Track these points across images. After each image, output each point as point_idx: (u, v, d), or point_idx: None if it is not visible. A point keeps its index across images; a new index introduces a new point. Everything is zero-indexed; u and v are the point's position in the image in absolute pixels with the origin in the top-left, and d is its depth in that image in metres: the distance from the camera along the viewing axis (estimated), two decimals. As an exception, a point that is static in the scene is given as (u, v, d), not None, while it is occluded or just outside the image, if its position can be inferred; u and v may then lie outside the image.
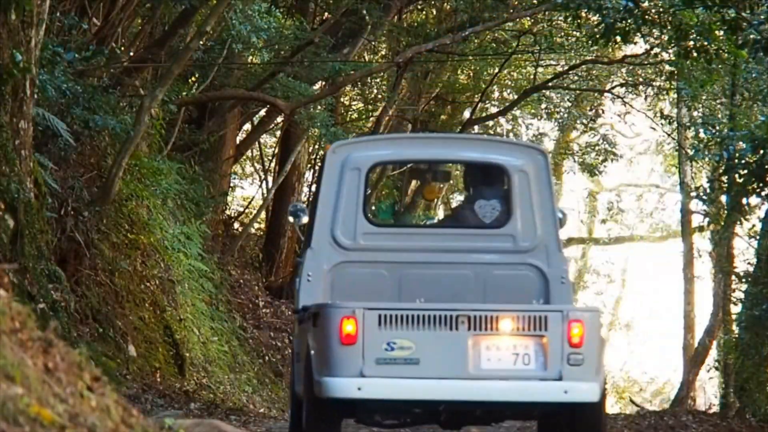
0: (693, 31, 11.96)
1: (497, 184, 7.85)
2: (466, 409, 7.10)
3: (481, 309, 6.90)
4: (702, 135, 17.13)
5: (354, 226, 7.59)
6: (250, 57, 19.78)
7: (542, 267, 7.59)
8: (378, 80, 25.06)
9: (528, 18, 22.34)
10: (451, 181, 8.94)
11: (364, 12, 20.02)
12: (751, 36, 11.60)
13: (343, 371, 6.76)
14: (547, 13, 20.85)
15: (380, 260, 7.67)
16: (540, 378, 6.85)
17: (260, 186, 25.75)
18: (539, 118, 26.72)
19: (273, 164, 24.85)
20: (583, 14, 13.23)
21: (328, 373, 6.80)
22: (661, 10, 12.07)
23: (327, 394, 6.79)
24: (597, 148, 26.33)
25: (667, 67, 21.39)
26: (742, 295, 16.32)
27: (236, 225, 23.68)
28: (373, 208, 7.84)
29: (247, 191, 27.99)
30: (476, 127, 26.99)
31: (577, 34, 21.12)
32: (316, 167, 25.79)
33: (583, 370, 6.78)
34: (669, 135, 25.79)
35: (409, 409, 7.06)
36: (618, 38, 12.13)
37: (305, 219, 7.95)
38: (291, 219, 8.33)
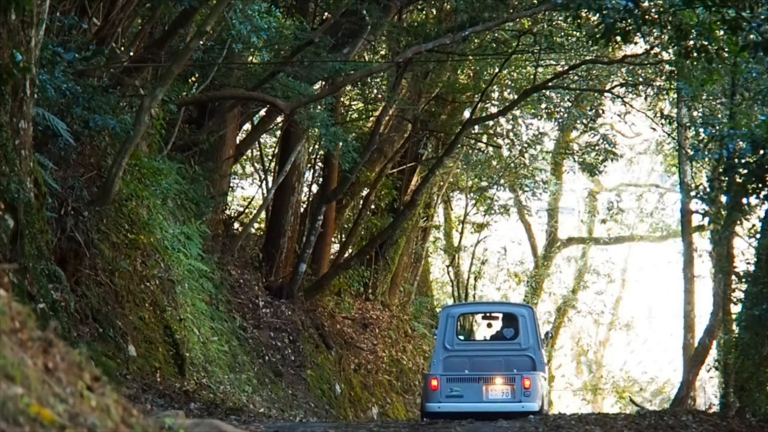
0: (693, 31, 11.97)
1: (513, 321, 16.39)
2: (482, 414, 14.45)
3: (488, 373, 15.29)
4: (702, 135, 17.13)
5: (452, 340, 16.18)
6: (250, 57, 19.78)
7: (532, 356, 15.98)
8: (378, 80, 25.05)
9: (528, 18, 22.34)
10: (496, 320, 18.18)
11: (364, 12, 20.03)
12: (751, 36, 11.61)
13: (433, 401, 15.12)
14: (547, 13, 20.86)
15: (463, 355, 16.15)
16: (511, 402, 15.00)
17: (260, 186, 25.75)
18: (539, 118, 26.73)
19: (273, 164, 24.85)
20: (583, 14, 13.24)
21: (427, 401, 15.22)
22: (661, 10, 12.07)
23: (428, 410, 15.15)
24: (597, 148, 26.33)
25: (667, 67, 21.39)
26: (742, 295, 16.32)
27: (236, 225, 23.68)
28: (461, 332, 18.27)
29: (247, 191, 28.01)
30: (476, 127, 27.01)
31: (577, 34, 21.12)
32: (317, 167, 25.83)
33: (530, 398, 14.97)
34: (669, 135, 25.79)
35: (459, 415, 14.51)
36: (618, 38, 12.13)
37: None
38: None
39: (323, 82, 21.53)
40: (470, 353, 16.23)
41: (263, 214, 23.72)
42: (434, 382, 15.11)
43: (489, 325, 17.64)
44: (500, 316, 17.30)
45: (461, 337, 17.14)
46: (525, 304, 19.54)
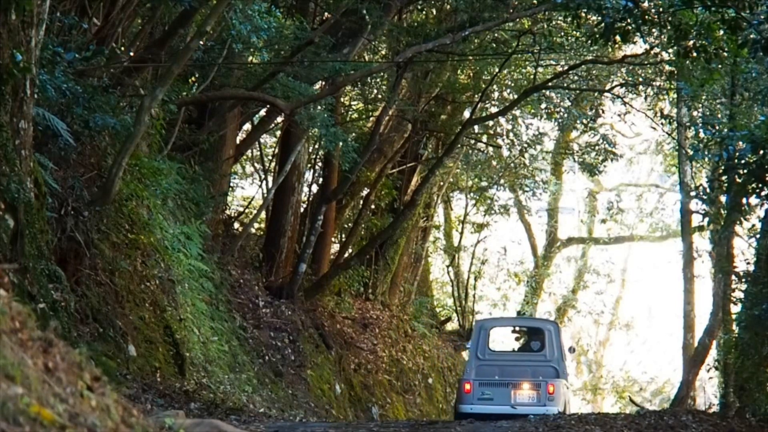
0: (693, 31, 11.97)
1: (539, 335, 17.87)
2: (510, 416, 15.53)
3: (515, 380, 16.86)
4: (702, 135, 17.13)
5: (484, 350, 17.60)
6: (250, 57, 19.78)
7: (556, 367, 17.24)
8: (378, 80, 25.06)
9: (528, 18, 22.34)
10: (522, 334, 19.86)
11: (364, 12, 20.02)
12: (751, 36, 11.61)
13: (466, 402, 16.78)
14: (547, 13, 20.85)
15: (494, 364, 17.40)
16: (536, 405, 16.47)
17: (260, 186, 25.75)
18: (539, 118, 26.72)
19: (273, 164, 24.85)
20: (583, 14, 13.24)
21: (461, 403, 16.95)
22: (660, 10, 12.07)
23: (461, 410, 16.73)
24: (597, 148, 26.33)
25: (667, 67, 21.39)
26: (742, 295, 16.32)
27: (236, 225, 23.68)
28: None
29: (247, 191, 28.00)
30: (476, 127, 27.01)
31: (577, 34, 21.12)
32: (317, 167, 25.83)
33: (553, 402, 16.54)
34: (669, 135, 25.78)
35: (489, 416, 15.57)
36: (618, 38, 12.13)
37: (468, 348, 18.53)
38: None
39: (323, 82, 21.52)
40: (500, 362, 17.78)
41: (263, 214, 23.72)
42: (467, 386, 16.97)
43: (518, 338, 19.35)
44: (528, 330, 19.15)
45: (492, 348, 18.61)
46: (551, 320, 22.08)
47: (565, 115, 25.72)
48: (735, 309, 18.08)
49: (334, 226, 25.80)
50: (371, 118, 26.28)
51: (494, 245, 37.07)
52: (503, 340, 25.87)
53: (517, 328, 19.61)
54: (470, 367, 17.63)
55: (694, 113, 22.42)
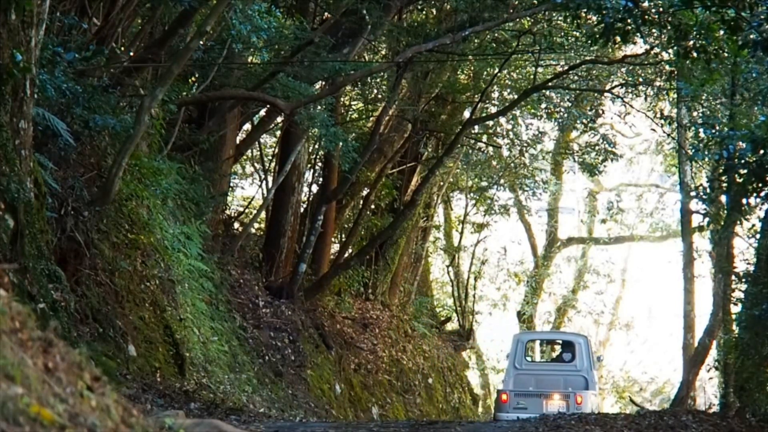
0: (693, 31, 11.97)
1: (570, 347, 19.68)
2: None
3: (547, 391, 18.62)
4: (702, 135, 17.12)
5: (521, 361, 19.47)
6: (250, 57, 19.78)
7: (586, 377, 19.11)
8: (378, 80, 25.05)
9: (528, 18, 22.34)
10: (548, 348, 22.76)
11: (364, 12, 20.03)
12: (751, 36, 11.61)
13: (503, 410, 18.39)
14: (547, 13, 20.85)
15: (530, 373, 19.33)
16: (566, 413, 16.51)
17: (260, 186, 25.75)
18: (539, 118, 26.72)
19: (273, 164, 24.85)
20: (583, 14, 13.24)
21: (498, 411, 18.63)
22: (660, 10, 12.07)
23: (499, 417, 17.98)
24: (597, 148, 26.33)
25: (667, 67, 21.39)
26: (742, 295, 16.31)
27: (236, 225, 23.68)
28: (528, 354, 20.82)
29: (247, 191, 28.00)
30: (476, 127, 27.01)
31: (577, 34, 21.12)
32: (317, 167, 25.83)
33: (581, 411, 16.77)
34: (669, 135, 25.78)
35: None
36: (618, 38, 12.12)
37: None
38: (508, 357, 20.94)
39: (323, 82, 21.52)
40: (535, 372, 19.81)
41: (263, 214, 23.71)
42: (504, 396, 19.09)
43: (552, 350, 21.60)
44: (561, 342, 21.22)
45: (528, 359, 20.68)
46: (581, 334, 24.70)
47: (565, 115, 25.72)
48: (735, 309, 18.07)
49: (334, 226, 25.79)
50: (371, 118, 26.27)
51: (494, 245, 37.09)
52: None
53: (551, 341, 21.91)
54: (508, 377, 19.69)
55: (694, 113, 22.41)
